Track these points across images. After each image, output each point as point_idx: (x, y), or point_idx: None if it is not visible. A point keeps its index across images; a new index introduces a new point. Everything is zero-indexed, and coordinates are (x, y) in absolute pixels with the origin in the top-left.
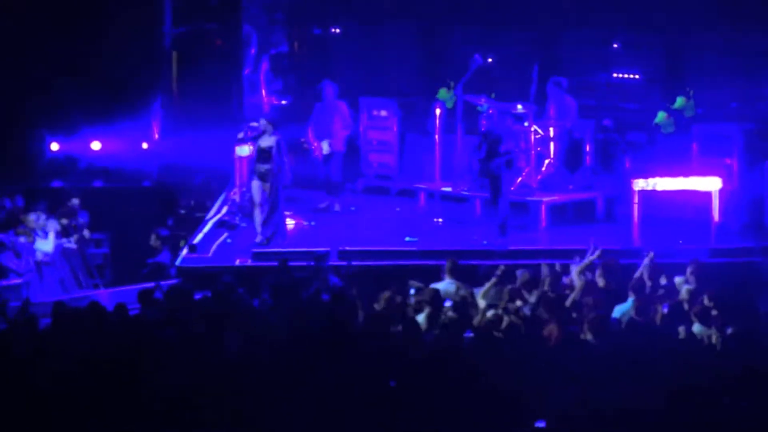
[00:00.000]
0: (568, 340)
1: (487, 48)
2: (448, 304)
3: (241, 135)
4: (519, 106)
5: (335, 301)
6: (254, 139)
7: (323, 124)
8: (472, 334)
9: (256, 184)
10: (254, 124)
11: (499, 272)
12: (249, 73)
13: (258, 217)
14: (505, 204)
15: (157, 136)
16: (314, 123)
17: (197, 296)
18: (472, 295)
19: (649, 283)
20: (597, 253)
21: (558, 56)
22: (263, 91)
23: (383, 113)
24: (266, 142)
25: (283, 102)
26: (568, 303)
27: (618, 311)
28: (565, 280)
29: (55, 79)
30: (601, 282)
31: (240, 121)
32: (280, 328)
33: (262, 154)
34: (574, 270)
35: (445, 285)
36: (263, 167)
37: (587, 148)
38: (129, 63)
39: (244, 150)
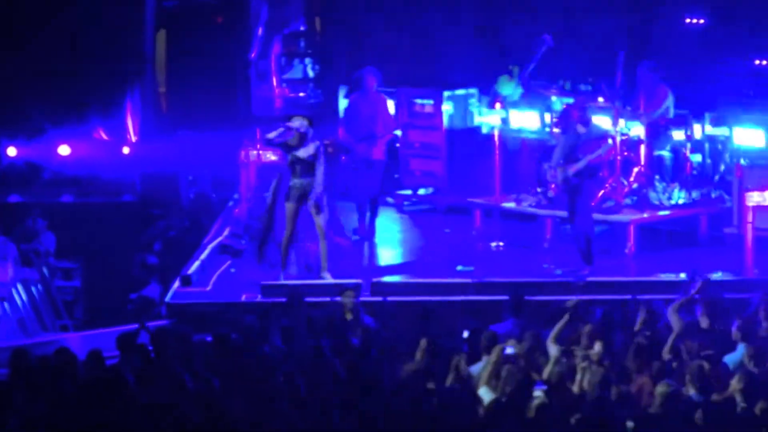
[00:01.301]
0: (666, 396)
1: (559, 25)
2: (510, 350)
3: (272, 135)
4: (600, 99)
5: (366, 348)
6: (284, 146)
7: (361, 123)
8: (542, 388)
9: (291, 207)
10: (295, 123)
11: (570, 306)
12: (256, 58)
13: (286, 248)
14: (587, 223)
15: (137, 138)
16: (348, 121)
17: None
18: (541, 340)
19: (765, 324)
20: (697, 286)
21: (649, 35)
22: (274, 81)
23: (427, 108)
24: (306, 150)
25: (300, 94)
26: (665, 350)
27: (729, 360)
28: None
29: (12, 69)
30: (704, 322)
31: (247, 118)
32: (295, 382)
33: (301, 165)
34: (670, 308)
35: (508, 327)
36: (304, 182)
37: (687, 152)
38: (104, 46)
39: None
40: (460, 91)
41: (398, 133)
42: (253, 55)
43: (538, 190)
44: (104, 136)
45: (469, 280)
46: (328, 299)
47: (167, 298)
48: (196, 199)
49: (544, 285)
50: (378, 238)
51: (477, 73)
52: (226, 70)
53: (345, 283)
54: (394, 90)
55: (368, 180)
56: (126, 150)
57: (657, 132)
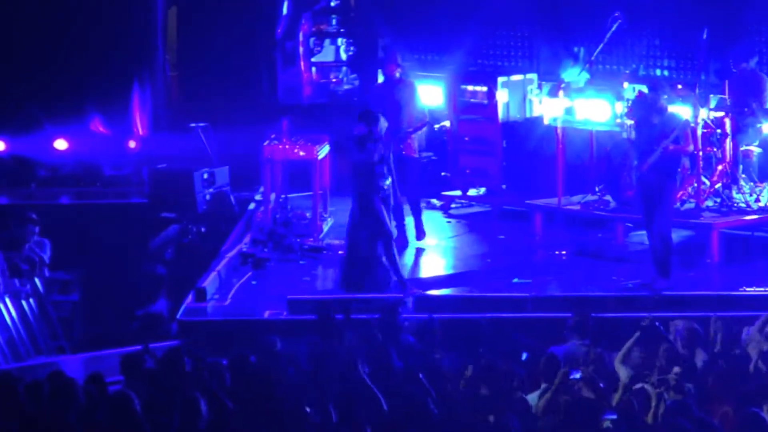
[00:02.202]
0: (750, 426)
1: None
2: (575, 375)
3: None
4: (679, 86)
5: (410, 372)
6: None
7: (384, 116)
8: (611, 417)
9: (385, 208)
10: (371, 122)
11: (644, 323)
12: (282, 38)
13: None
14: (665, 229)
15: (145, 130)
16: None
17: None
18: (608, 363)
19: None
20: None
21: (739, 12)
22: (302, 65)
23: (480, 96)
24: (381, 150)
25: (333, 79)
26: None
27: None
28: (744, 338)
29: (1, 50)
30: None
31: (272, 107)
32: (324, 411)
33: (384, 165)
34: (753, 327)
35: (570, 348)
36: (386, 182)
37: None
38: (108, 26)
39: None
40: (517, 77)
41: (446, 124)
42: (278, 35)
43: (597, 189)
44: (101, 129)
45: (526, 295)
46: (366, 317)
47: (179, 315)
48: (214, 200)
49: (613, 300)
50: (422, 246)
51: (535, 55)
52: (247, 52)
53: (386, 297)
54: (439, 74)
55: (404, 181)
56: (132, 144)
57: (744, 125)
